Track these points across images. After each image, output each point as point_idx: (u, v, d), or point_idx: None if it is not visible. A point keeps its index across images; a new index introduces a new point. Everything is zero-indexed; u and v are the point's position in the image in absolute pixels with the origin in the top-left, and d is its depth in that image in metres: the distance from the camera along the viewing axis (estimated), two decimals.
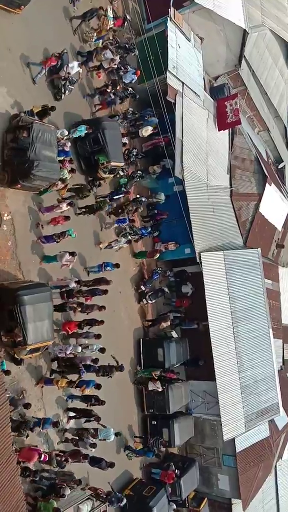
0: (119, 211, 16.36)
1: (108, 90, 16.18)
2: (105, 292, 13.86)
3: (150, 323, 17.84)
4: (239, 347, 17.98)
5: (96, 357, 13.23)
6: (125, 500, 13.34)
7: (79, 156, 15.01)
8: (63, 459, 11.94)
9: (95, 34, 16.13)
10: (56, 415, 12.78)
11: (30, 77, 13.45)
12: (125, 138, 16.88)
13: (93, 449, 12.48)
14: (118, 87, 16.43)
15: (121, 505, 13.27)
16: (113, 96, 16.32)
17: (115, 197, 15.89)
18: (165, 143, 17.87)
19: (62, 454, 12.30)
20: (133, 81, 16.88)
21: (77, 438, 12.65)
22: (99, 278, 14.24)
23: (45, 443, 12.34)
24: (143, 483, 15.58)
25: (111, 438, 13.12)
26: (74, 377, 12.70)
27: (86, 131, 14.25)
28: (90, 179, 15.43)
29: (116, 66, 16.24)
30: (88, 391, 12.72)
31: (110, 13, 16.95)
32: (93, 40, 16.12)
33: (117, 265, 14.77)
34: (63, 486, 11.11)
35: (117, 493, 13.23)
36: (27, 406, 11.21)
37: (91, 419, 12.87)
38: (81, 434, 12.62)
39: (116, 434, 13.51)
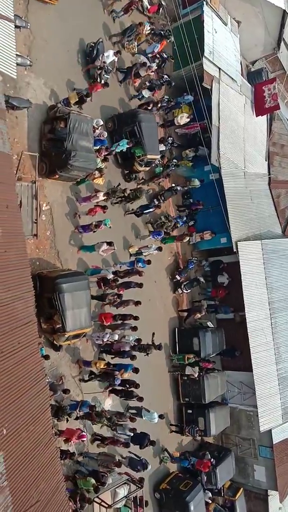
0: (155, 200, 16.31)
1: (149, 108, 16.08)
2: (139, 285, 13.84)
3: (185, 314, 17.80)
4: (277, 338, 17.66)
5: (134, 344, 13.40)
6: (149, 466, 13.14)
7: None
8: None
9: (135, 42, 15.96)
10: (94, 398, 13.01)
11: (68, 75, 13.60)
12: (162, 145, 16.61)
13: (132, 434, 12.68)
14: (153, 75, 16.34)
15: (147, 470, 13.13)
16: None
17: (145, 211, 15.60)
18: (201, 129, 17.60)
19: (101, 439, 12.61)
20: (156, 49, 16.19)
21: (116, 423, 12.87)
22: (131, 268, 14.24)
23: (84, 427, 12.60)
24: (179, 477, 15.62)
25: (155, 420, 13.62)
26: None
27: (128, 146, 14.22)
28: (126, 172, 15.44)
29: (152, 72, 16.20)
30: (126, 375, 12.87)
31: (145, 1, 16.79)
32: (136, 50, 16.10)
33: (148, 262, 14.50)
34: (105, 475, 11.39)
35: (140, 457, 13.04)
36: (66, 391, 11.49)
37: (133, 399, 13.06)
38: (119, 417, 12.81)
39: (160, 416, 13.86)
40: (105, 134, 13.67)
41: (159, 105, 16.63)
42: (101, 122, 13.66)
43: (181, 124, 17.65)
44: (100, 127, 13.54)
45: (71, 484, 11.22)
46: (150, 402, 14.43)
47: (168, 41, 17.23)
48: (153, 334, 14.22)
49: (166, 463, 15.62)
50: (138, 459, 13.01)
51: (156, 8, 17.23)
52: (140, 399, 13.00)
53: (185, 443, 17.10)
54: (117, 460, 12.24)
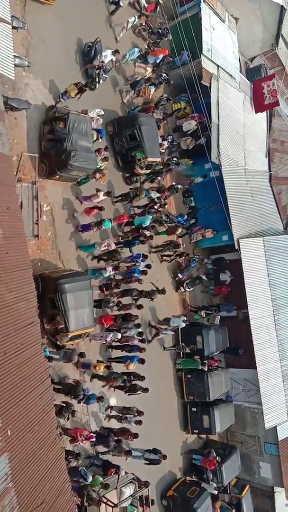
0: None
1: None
2: (140, 293, 13.68)
3: None
4: (280, 335, 17.63)
5: (143, 338, 13.52)
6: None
7: (116, 152, 14.95)
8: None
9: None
10: (100, 393, 12.89)
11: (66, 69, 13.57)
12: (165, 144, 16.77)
13: (139, 426, 12.64)
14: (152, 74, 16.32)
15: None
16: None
17: (130, 247, 14.61)
18: (199, 119, 17.63)
19: (110, 431, 12.60)
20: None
21: (120, 415, 12.90)
22: (128, 277, 14.05)
23: (91, 423, 12.67)
24: (186, 483, 15.55)
25: (182, 324, 15.63)
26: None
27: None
28: (127, 175, 15.41)
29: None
30: (132, 366, 12.91)
31: (142, 0, 16.77)
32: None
33: (144, 272, 14.23)
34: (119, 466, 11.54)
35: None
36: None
37: (138, 392, 13.07)
38: (125, 412, 12.83)
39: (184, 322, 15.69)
40: (101, 120, 13.72)
41: (158, 104, 16.58)
42: (102, 112, 13.61)
43: (186, 130, 17.70)
44: (100, 117, 13.55)
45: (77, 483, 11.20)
46: (154, 400, 14.42)
47: (166, 39, 17.29)
48: (152, 283, 14.71)
49: None
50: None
51: (153, 6, 17.21)
52: (145, 390, 13.06)
53: (190, 441, 17.11)
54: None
